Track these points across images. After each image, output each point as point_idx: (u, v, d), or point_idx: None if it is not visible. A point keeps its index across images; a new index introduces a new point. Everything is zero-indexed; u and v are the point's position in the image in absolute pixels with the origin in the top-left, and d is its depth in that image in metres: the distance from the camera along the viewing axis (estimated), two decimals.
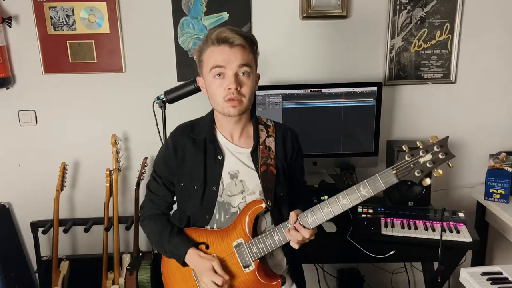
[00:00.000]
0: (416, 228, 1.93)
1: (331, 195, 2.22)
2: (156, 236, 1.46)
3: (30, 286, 2.50)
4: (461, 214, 1.98)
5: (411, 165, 1.17)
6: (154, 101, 1.92)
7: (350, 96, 2.16)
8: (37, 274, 2.42)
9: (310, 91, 2.16)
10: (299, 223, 1.29)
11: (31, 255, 2.49)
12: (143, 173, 2.29)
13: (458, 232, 1.88)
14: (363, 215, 2.01)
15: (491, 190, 2.19)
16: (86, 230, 2.30)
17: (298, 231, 1.28)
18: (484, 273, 1.64)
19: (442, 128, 2.39)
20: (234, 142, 1.42)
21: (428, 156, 1.16)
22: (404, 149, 1.19)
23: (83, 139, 2.35)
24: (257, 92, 2.15)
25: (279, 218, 1.40)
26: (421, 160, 1.16)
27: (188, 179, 1.41)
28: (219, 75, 1.30)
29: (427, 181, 1.16)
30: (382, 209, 2.04)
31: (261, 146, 1.41)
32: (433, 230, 1.90)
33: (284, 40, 2.29)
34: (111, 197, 2.27)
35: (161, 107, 1.92)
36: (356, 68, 2.33)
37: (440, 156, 1.15)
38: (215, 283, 1.32)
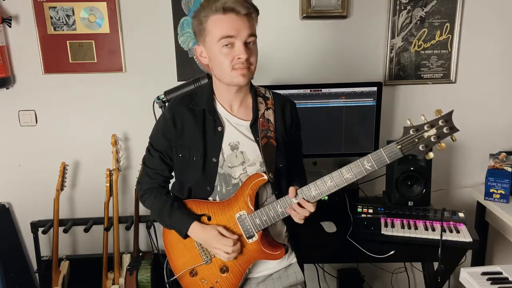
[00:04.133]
0: (416, 228, 1.93)
1: (331, 195, 2.18)
2: (157, 211, 1.46)
3: (30, 286, 2.50)
4: (461, 214, 1.98)
5: (416, 140, 1.17)
6: (154, 101, 1.91)
7: (350, 96, 2.16)
8: (37, 274, 2.42)
9: (310, 91, 2.16)
10: (303, 198, 1.30)
11: (31, 255, 2.49)
12: None
13: (458, 232, 1.88)
14: (363, 215, 2.01)
15: (491, 190, 2.19)
16: (86, 230, 2.30)
17: (304, 207, 1.30)
18: (484, 273, 1.64)
19: None
20: (233, 113, 1.41)
21: (433, 131, 1.15)
22: (409, 123, 1.18)
23: (83, 139, 2.35)
24: None
25: (278, 188, 1.42)
26: (426, 134, 1.15)
27: (187, 151, 1.40)
28: (227, 45, 1.27)
29: (431, 154, 1.16)
30: (382, 209, 2.04)
31: (261, 119, 1.41)
32: (433, 230, 1.90)
33: (284, 40, 2.29)
34: (111, 197, 2.27)
35: (161, 107, 1.91)
36: (356, 68, 2.33)
37: (444, 130, 1.14)
38: (227, 245, 1.34)
